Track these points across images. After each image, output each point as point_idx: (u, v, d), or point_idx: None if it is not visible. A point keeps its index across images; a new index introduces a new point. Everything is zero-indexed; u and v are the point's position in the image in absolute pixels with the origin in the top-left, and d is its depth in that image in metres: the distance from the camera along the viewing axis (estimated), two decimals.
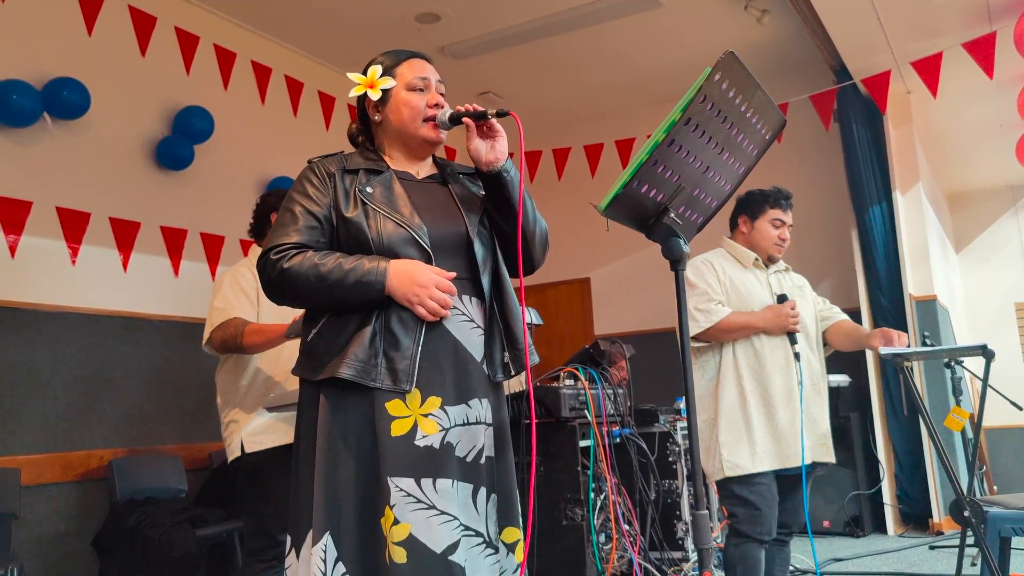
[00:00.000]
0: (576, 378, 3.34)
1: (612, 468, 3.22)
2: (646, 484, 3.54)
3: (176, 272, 4.33)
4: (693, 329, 2.62)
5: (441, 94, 1.83)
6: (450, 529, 1.60)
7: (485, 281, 1.77)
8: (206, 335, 2.65)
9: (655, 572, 3.33)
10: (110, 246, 4.05)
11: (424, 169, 1.87)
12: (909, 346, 2.65)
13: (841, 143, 5.70)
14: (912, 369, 5.11)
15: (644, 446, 3.52)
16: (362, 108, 1.87)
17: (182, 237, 4.39)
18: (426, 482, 1.60)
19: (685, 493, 3.79)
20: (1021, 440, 7.42)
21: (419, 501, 1.59)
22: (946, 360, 4.36)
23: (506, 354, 1.77)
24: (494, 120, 1.74)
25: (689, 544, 3.72)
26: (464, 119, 1.74)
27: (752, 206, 2.83)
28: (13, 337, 3.58)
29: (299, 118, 5.23)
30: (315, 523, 1.60)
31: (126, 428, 3.97)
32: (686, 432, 3.21)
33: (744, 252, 2.82)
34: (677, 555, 3.67)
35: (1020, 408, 3.60)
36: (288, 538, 1.70)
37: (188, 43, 4.57)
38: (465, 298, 1.74)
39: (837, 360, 3.81)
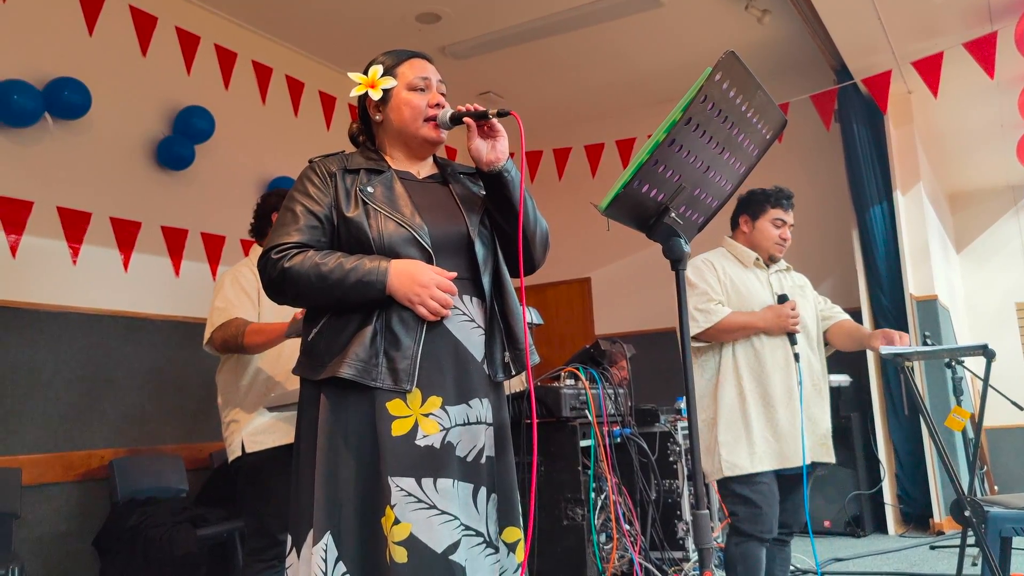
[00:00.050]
0: (577, 378, 3.34)
1: (613, 468, 3.22)
2: (647, 484, 3.54)
3: (177, 272, 4.34)
4: (693, 329, 2.62)
5: (442, 94, 1.83)
6: (451, 529, 1.60)
7: (486, 281, 1.77)
8: (207, 335, 2.65)
9: (656, 572, 3.33)
10: (111, 246, 4.05)
11: (425, 169, 1.87)
12: (910, 346, 2.64)
13: (842, 143, 5.70)
14: (913, 369, 5.12)
15: (645, 446, 3.52)
16: (363, 108, 1.87)
17: (183, 237, 4.39)
18: (427, 482, 1.60)
19: (686, 493, 3.79)
20: (1022, 440, 7.42)
21: (420, 501, 1.59)
22: (947, 360, 4.37)
23: (507, 354, 1.77)
24: (495, 120, 1.74)
25: (690, 544, 3.72)
26: (465, 119, 1.74)
27: (753, 205, 2.83)
28: (14, 337, 3.58)
29: (300, 118, 5.23)
30: (316, 523, 1.60)
31: (127, 428, 3.97)
32: (687, 432, 3.21)
33: (745, 252, 2.82)
34: (678, 555, 3.67)
35: (1021, 408, 3.59)
36: (289, 538, 1.70)
37: (189, 43, 4.57)
38: (466, 298, 1.74)
39: (838, 360, 3.81)
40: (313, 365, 1.69)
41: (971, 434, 4.12)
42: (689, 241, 1.70)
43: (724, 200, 1.86)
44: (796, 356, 2.65)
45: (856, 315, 3.99)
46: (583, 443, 3.18)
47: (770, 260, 2.83)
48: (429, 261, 1.69)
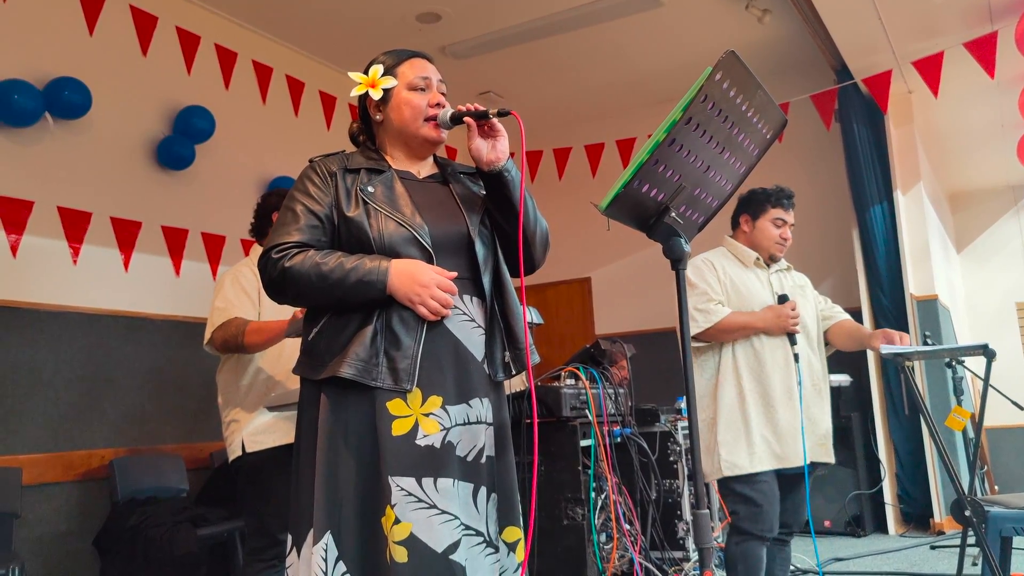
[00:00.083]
0: (577, 378, 3.34)
1: (613, 467, 3.22)
2: (647, 483, 3.54)
3: (177, 272, 4.34)
4: (692, 329, 2.62)
5: (442, 94, 1.83)
6: (451, 528, 1.60)
7: (486, 281, 1.77)
8: (207, 335, 2.65)
9: (656, 572, 3.33)
10: (111, 246, 4.05)
11: (425, 169, 1.87)
12: (910, 346, 2.64)
13: (842, 143, 5.70)
14: (913, 369, 5.12)
15: (645, 445, 3.52)
16: (363, 107, 1.87)
17: (183, 237, 4.39)
18: (427, 481, 1.61)
19: (686, 492, 3.79)
20: (1022, 440, 7.42)
21: (420, 500, 1.59)
22: (947, 360, 4.37)
23: (507, 353, 1.77)
24: (495, 120, 1.74)
25: (690, 543, 3.72)
26: (465, 119, 1.74)
27: (754, 205, 2.83)
28: (15, 337, 3.58)
29: (300, 118, 5.23)
30: (316, 522, 1.60)
31: (127, 428, 3.97)
32: (687, 432, 3.21)
33: (745, 251, 2.82)
34: (678, 554, 3.67)
35: (1021, 408, 3.59)
36: (289, 537, 1.70)
37: (189, 43, 4.57)
38: (466, 297, 1.75)
39: (838, 360, 3.81)
40: (313, 365, 1.69)
41: (971, 434, 4.12)
42: (689, 241, 1.70)
43: (724, 200, 1.86)
44: (796, 356, 2.65)
45: (856, 315, 3.98)
46: (583, 443, 3.18)
47: (770, 260, 2.83)
48: (429, 261, 1.69)
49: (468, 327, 1.73)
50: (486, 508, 1.69)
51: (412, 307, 1.65)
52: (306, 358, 1.72)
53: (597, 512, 3.16)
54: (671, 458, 3.81)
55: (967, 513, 2.60)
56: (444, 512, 1.60)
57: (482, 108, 1.74)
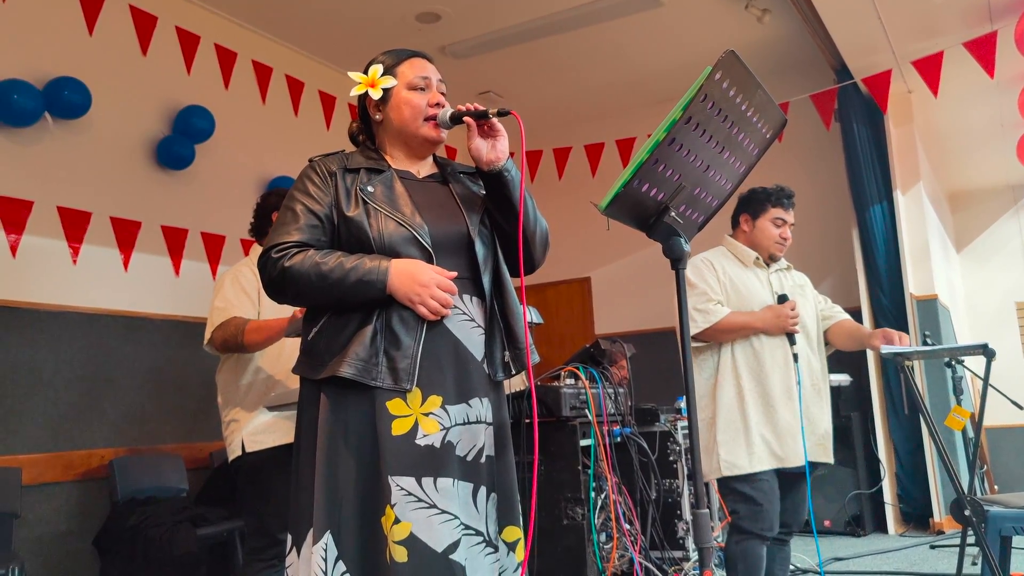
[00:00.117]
0: (577, 377, 3.34)
1: (613, 467, 3.22)
2: (647, 483, 3.54)
3: (177, 272, 4.34)
4: (692, 329, 2.62)
5: (442, 93, 1.83)
6: (451, 528, 1.60)
7: (486, 280, 1.77)
8: (207, 335, 2.65)
9: (656, 571, 3.33)
10: (111, 246, 4.05)
11: (425, 168, 1.87)
12: (910, 345, 2.65)
13: (842, 142, 5.70)
14: (913, 368, 5.12)
15: (645, 445, 3.52)
16: (363, 107, 1.87)
17: (183, 237, 4.39)
18: (427, 481, 1.61)
19: (686, 492, 3.79)
20: (1022, 439, 7.42)
21: (420, 500, 1.59)
22: (947, 359, 4.37)
23: (507, 353, 1.77)
24: (495, 119, 1.74)
25: (690, 543, 3.72)
26: (465, 118, 1.74)
27: (754, 204, 2.83)
28: (14, 337, 3.58)
29: (300, 117, 5.23)
30: (316, 522, 1.60)
31: (127, 427, 3.97)
32: (687, 431, 3.21)
33: (745, 251, 2.82)
34: (678, 554, 3.67)
35: (1021, 407, 3.60)
36: (289, 537, 1.70)
37: (189, 43, 4.57)
38: (466, 297, 1.75)
39: (838, 359, 3.82)
40: (313, 364, 1.69)
41: (971, 433, 4.12)
42: (689, 240, 1.69)
43: (724, 199, 1.86)
44: (795, 356, 2.65)
45: (856, 315, 3.99)
46: (583, 442, 3.18)
47: (770, 259, 2.83)
48: (429, 260, 1.69)
49: (468, 327, 1.73)
50: (486, 508, 1.69)
51: (412, 307, 1.65)
52: (306, 358, 1.72)
53: (597, 512, 3.17)
54: (671, 458, 3.81)
55: (967, 513, 2.60)
56: (444, 512, 1.60)
57: (482, 108, 1.74)
